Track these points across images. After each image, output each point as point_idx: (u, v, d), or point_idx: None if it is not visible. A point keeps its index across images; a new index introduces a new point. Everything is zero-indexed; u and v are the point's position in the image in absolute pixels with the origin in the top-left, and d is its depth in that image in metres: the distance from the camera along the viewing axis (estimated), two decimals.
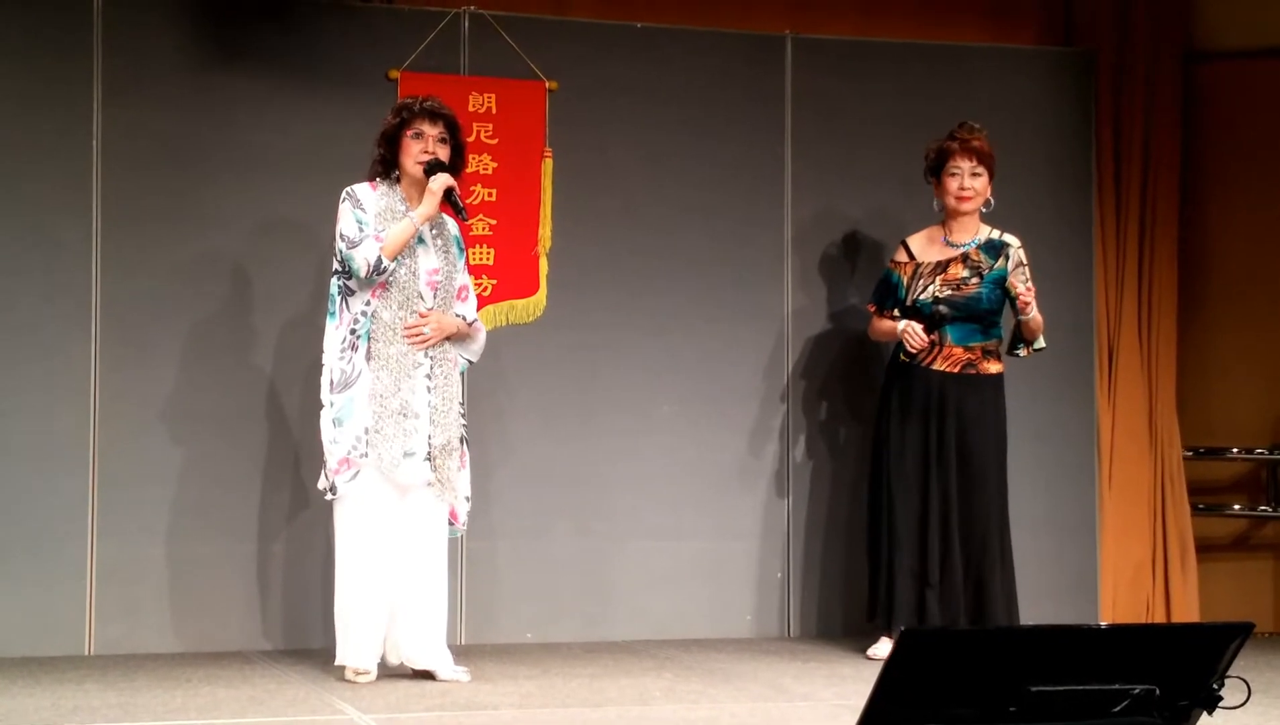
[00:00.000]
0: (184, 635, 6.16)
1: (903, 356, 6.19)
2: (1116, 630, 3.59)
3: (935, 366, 6.14)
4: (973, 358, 6.14)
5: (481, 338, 5.64)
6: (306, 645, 6.22)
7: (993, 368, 6.19)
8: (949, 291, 6.11)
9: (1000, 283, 6.13)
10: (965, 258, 6.17)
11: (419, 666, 5.46)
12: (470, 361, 5.66)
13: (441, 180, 5.38)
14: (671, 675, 5.68)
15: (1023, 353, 6.28)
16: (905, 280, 6.22)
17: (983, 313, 6.13)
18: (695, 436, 6.78)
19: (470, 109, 6.46)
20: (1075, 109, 7.23)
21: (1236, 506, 7.52)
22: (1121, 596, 7.17)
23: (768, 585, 6.83)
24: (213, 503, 6.23)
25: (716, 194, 6.83)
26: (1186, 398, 7.39)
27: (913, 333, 6.08)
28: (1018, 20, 7.40)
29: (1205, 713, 3.46)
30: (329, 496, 5.41)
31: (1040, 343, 6.27)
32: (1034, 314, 6.14)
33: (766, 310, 6.88)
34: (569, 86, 6.64)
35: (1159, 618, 7.17)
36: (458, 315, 5.53)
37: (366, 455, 5.31)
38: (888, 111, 6.87)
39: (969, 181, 6.14)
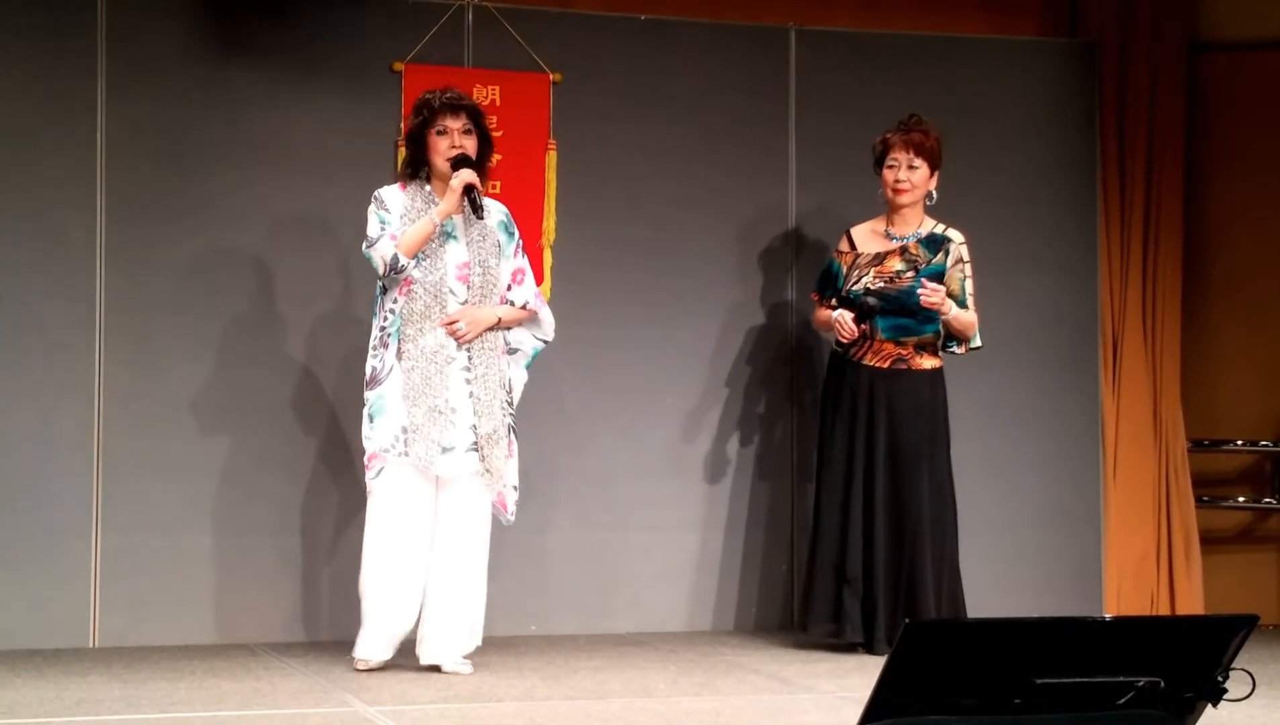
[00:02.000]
0: (188, 628, 6.16)
1: (835, 346, 6.18)
2: (1121, 622, 3.59)
3: (866, 361, 6.09)
4: (904, 353, 6.07)
5: (545, 317, 5.64)
6: (312, 638, 6.22)
7: (927, 363, 6.10)
8: (881, 284, 6.07)
9: (937, 278, 6.04)
10: (904, 251, 6.11)
11: (430, 661, 5.46)
12: (544, 341, 5.67)
13: (461, 177, 5.38)
14: (675, 668, 5.68)
15: (958, 350, 6.17)
16: (845, 270, 6.20)
17: (915, 307, 6.02)
18: (699, 428, 6.78)
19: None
20: (1079, 100, 7.22)
21: (1241, 499, 7.51)
22: (1126, 589, 7.17)
23: (772, 578, 6.83)
24: (216, 496, 6.23)
25: (720, 186, 6.82)
26: (1191, 390, 7.38)
27: (842, 323, 6.04)
28: (1021, 11, 7.39)
29: (1210, 705, 3.46)
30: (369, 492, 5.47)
31: (976, 342, 6.15)
32: (954, 313, 6.02)
33: (770, 302, 6.88)
34: (573, 79, 6.64)
35: (1163, 610, 7.16)
36: (510, 301, 5.53)
37: (406, 453, 5.34)
38: (892, 104, 6.83)
39: (904, 174, 6.09)
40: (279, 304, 6.35)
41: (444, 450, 5.35)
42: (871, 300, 6.02)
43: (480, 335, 5.44)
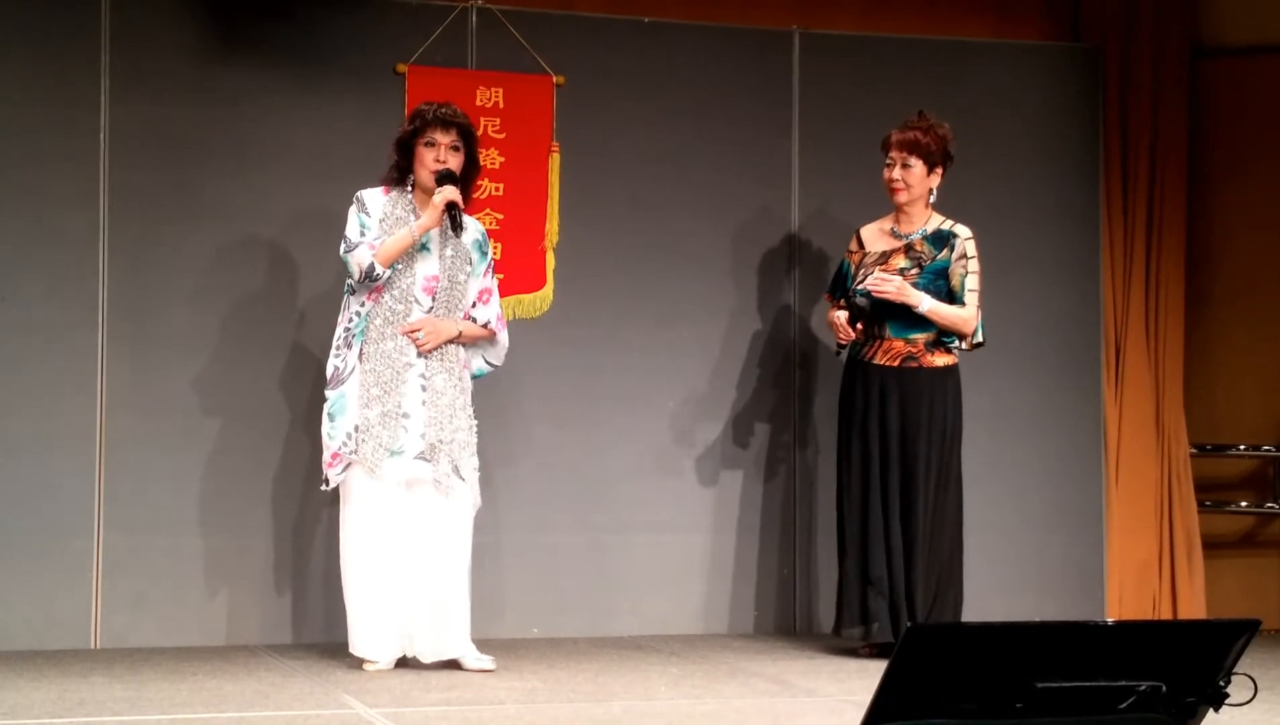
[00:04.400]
0: (189, 629, 6.16)
1: (834, 349, 6.19)
2: (1123, 627, 3.58)
3: (876, 361, 6.07)
4: (914, 351, 6.05)
5: (502, 341, 5.69)
6: (313, 639, 6.23)
7: (939, 360, 6.07)
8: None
9: (942, 274, 6.04)
10: (909, 248, 6.10)
11: (438, 658, 5.50)
12: (493, 365, 5.73)
13: (444, 194, 5.44)
14: (676, 670, 5.68)
15: (961, 346, 6.12)
16: (854, 269, 6.20)
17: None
18: (701, 431, 6.78)
19: (478, 103, 6.46)
20: (1082, 105, 7.22)
21: (1243, 503, 7.51)
22: (1128, 593, 7.17)
23: (774, 580, 6.83)
24: (219, 496, 6.24)
25: (723, 188, 6.83)
26: (1193, 394, 7.38)
27: (838, 325, 6.05)
28: (1024, 16, 7.40)
29: (1212, 710, 3.46)
30: (323, 487, 5.55)
31: (978, 337, 6.11)
32: (928, 307, 5.95)
33: (773, 304, 6.88)
34: (576, 81, 6.64)
35: (1165, 614, 7.16)
36: (473, 319, 5.56)
37: (356, 452, 5.41)
38: (895, 107, 6.83)
39: (898, 172, 6.08)
40: (281, 305, 6.35)
41: (392, 453, 5.41)
42: (861, 300, 6.02)
43: (440, 346, 5.49)
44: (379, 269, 5.41)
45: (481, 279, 5.63)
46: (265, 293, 6.34)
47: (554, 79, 6.61)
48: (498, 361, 5.74)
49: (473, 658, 5.52)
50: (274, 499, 6.29)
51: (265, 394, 6.31)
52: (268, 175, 6.35)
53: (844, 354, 6.17)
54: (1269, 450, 7.39)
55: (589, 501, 6.66)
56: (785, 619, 6.82)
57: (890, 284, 5.94)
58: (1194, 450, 7.32)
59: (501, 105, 6.55)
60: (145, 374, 6.19)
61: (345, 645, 5.69)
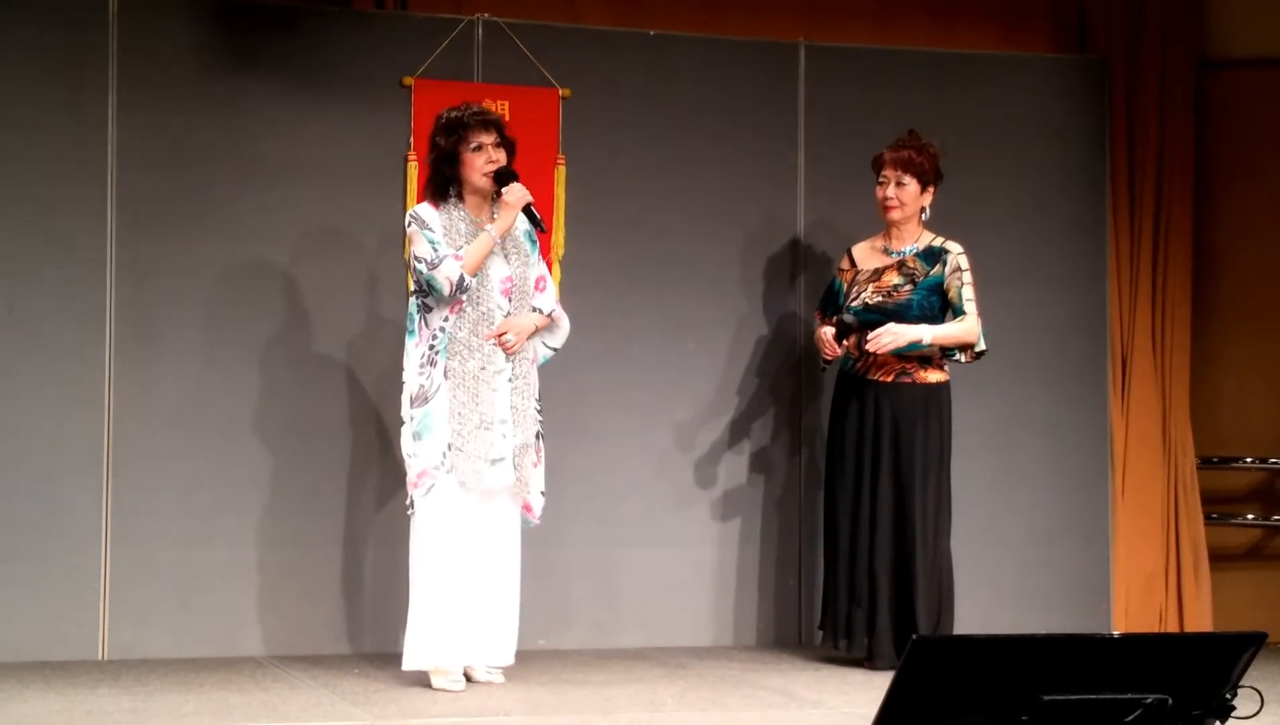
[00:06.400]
0: (197, 640, 6.17)
1: (821, 365, 6.23)
2: (1129, 639, 3.59)
3: (870, 376, 6.08)
4: (907, 366, 6.06)
5: (564, 324, 5.68)
6: (320, 651, 6.22)
7: (932, 376, 6.08)
8: (880, 298, 6.07)
9: (936, 289, 6.06)
10: (901, 265, 6.13)
11: (490, 668, 5.49)
12: (555, 349, 5.71)
13: (518, 194, 5.43)
14: (682, 683, 5.68)
15: (962, 358, 6.14)
16: (845, 287, 6.22)
17: (913, 320, 6.01)
18: (708, 442, 6.78)
19: None
20: (1089, 116, 7.23)
21: (1250, 516, 7.50)
22: (1134, 605, 7.16)
23: (780, 592, 6.82)
24: (226, 508, 6.24)
25: (729, 201, 6.83)
26: (1199, 406, 7.37)
27: (823, 341, 6.09)
28: (1031, 28, 7.40)
29: (1218, 722, 3.46)
30: (410, 511, 5.44)
31: (980, 346, 6.12)
32: (931, 338, 5.98)
33: (779, 316, 6.89)
34: (582, 93, 6.65)
35: (1172, 627, 7.15)
36: (535, 308, 5.57)
37: (454, 468, 5.35)
38: (900, 120, 6.84)
39: (892, 191, 6.11)
40: (288, 317, 6.36)
41: (493, 463, 5.40)
42: (849, 318, 6.06)
43: (523, 344, 5.49)
44: (468, 279, 5.36)
45: (537, 266, 5.63)
46: (273, 305, 6.34)
47: (560, 91, 6.62)
48: (558, 345, 5.70)
49: (483, 669, 5.51)
50: (282, 511, 6.29)
51: (271, 406, 6.31)
52: (275, 187, 6.36)
53: (829, 369, 6.20)
54: (1275, 462, 7.38)
55: (595, 513, 6.66)
56: (791, 631, 6.82)
57: (887, 337, 5.95)
58: (1200, 462, 7.32)
59: (507, 117, 6.51)
60: (153, 386, 6.20)
61: (353, 657, 5.69)
